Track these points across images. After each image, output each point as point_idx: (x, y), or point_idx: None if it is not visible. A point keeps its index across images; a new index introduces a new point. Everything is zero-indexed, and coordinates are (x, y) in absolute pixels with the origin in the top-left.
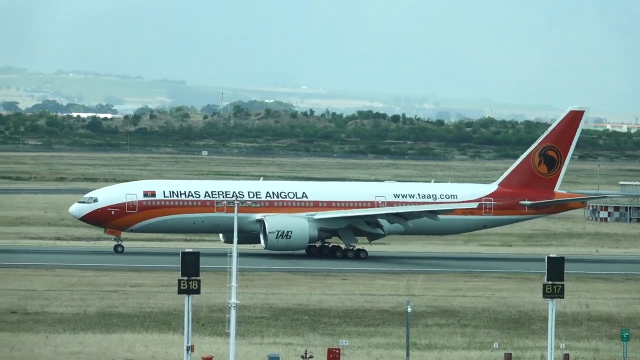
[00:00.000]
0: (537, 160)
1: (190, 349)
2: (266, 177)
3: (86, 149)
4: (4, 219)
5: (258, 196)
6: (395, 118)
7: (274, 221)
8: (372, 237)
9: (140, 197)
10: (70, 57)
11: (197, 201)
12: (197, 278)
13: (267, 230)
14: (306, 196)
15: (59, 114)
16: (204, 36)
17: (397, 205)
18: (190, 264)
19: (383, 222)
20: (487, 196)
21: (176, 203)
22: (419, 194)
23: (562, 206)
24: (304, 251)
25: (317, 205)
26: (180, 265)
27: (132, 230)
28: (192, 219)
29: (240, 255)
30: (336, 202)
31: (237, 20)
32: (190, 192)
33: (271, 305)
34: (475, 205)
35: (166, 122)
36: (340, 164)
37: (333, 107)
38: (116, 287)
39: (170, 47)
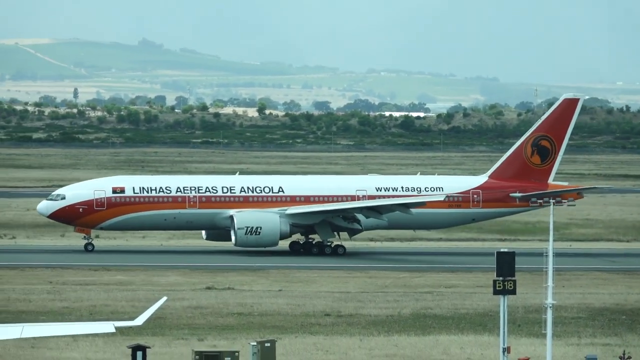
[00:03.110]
0: (530, 150)
1: (507, 350)
2: (581, 176)
3: (399, 148)
4: None
5: (232, 191)
6: None
7: (243, 217)
8: (351, 233)
9: (109, 194)
10: (383, 56)
11: (168, 197)
12: (513, 278)
13: (235, 226)
14: (282, 191)
15: (371, 113)
16: (517, 32)
17: (379, 199)
18: (506, 264)
19: (360, 216)
20: (475, 188)
21: (146, 199)
22: (402, 187)
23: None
24: (288, 248)
25: (293, 200)
26: (495, 266)
27: (101, 228)
28: (164, 215)
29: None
30: (314, 196)
31: (545, 17)
32: (161, 187)
33: (588, 305)
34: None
35: (479, 120)
36: None
37: None
38: (431, 289)
39: (484, 43)
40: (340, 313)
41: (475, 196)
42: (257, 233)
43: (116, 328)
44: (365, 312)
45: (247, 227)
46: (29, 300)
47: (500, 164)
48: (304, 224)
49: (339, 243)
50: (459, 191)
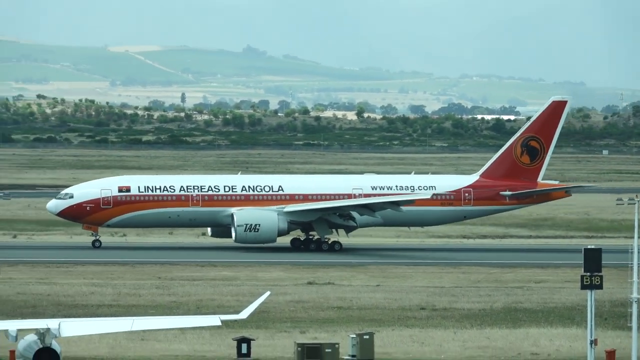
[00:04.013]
0: (519, 150)
1: (594, 342)
2: None
3: (490, 149)
4: None
5: (234, 190)
6: None
7: (243, 214)
8: (348, 230)
9: (115, 193)
10: (475, 62)
11: (172, 195)
12: (600, 274)
13: (235, 224)
14: (282, 190)
15: (464, 116)
16: (603, 38)
17: (371, 197)
18: (593, 260)
19: (354, 214)
20: (466, 187)
21: (151, 198)
22: (396, 186)
23: (545, 196)
24: (289, 244)
25: (293, 199)
26: (582, 262)
27: (108, 226)
28: (168, 213)
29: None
30: (312, 195)
31: (630, 22)
32: (165, 186)
33: None
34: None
35: (567, 123)
36: None
37: None
38: (521, 284)
39: (572, 49)
40: (435, 307)
41: (466, 194)
42: (256, 230)
43: (222, 321)
44: (458, 306)
45: (246, 225)
46: (139, 295)
47: (491, 164)
48: (301, 221)
49: (336, 239)
50: (451, 190)
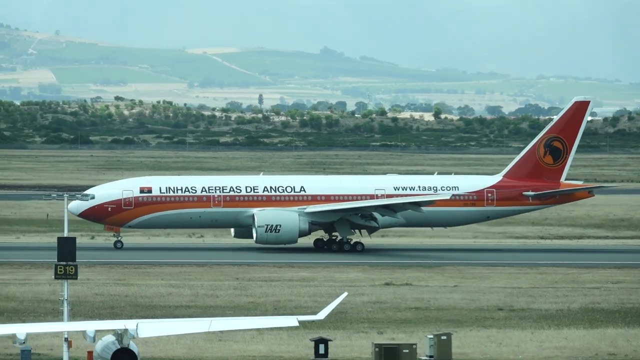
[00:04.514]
0: (542, 151)
1: None
2: None
3: None
4: None
5: (255, 191)
6: None
7: (264, 215)
8: (370, 230)
9: (137, 193)
10: (552, 63)
11: (193, 196)
12: None
13: (256, 224)
14: (304, 190)
15: (541, 117)
16: None
17: (391, 198)
18: None
19: (376, 214)
20: (489, 187)
21: (173, 199)
22: (419, 187)
23: (568, 196)
24: (312, 245)
25: (315, 199)
26: None
27: (130, 226)
28: (189, 214)
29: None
30: (335, 195)
31: None
32: (186, 187)
33: None
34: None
35: None
36: None
37: None
38: (598, 284)
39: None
40: (512, 307)
41: (489, 195)
42: (277, 231)
43: (299, 322)
44: (536, 306)
45: (267, 225)
46: (217, 296)
47: (514, 164)
48: (322, 222)
49: (358, 240)
50: (474, 190)
